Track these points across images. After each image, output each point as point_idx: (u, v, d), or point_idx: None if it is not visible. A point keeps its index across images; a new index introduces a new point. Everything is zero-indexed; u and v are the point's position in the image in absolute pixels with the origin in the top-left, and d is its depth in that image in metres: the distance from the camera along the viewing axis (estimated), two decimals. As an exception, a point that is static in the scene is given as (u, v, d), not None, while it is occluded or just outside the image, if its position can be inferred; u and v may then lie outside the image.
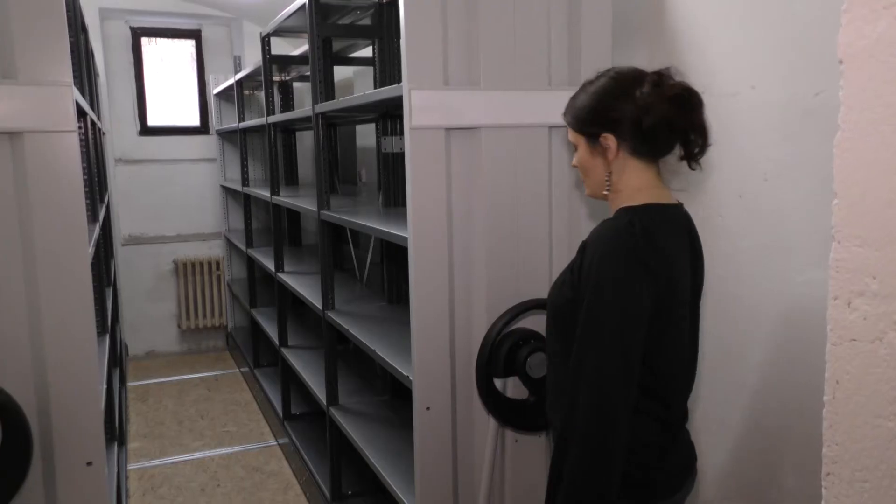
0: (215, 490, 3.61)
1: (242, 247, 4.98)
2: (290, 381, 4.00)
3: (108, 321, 2.95)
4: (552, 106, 2.08)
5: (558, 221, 2.21)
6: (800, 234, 1.68)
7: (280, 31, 3.69)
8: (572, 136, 1.47)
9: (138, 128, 5.70)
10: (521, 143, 2.11)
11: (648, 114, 1.33)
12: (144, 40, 5.71)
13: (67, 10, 1.87)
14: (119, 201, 5.59)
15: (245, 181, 4.87)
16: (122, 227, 5.65)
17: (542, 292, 2.15)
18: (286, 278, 3.78)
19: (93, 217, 2.80)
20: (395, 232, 2.18)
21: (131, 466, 3.89)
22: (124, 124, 5.65)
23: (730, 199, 1.85)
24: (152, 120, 5.75)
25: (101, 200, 3.57)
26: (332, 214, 2.84)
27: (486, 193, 2.07)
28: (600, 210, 2.23)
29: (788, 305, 1.72)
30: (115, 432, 2.97)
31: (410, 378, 2.10)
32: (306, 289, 3.44)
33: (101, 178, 3.80)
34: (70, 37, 1.83)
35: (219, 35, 5.84)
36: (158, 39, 5.76)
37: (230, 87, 5.08)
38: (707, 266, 1.94)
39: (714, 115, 1.87)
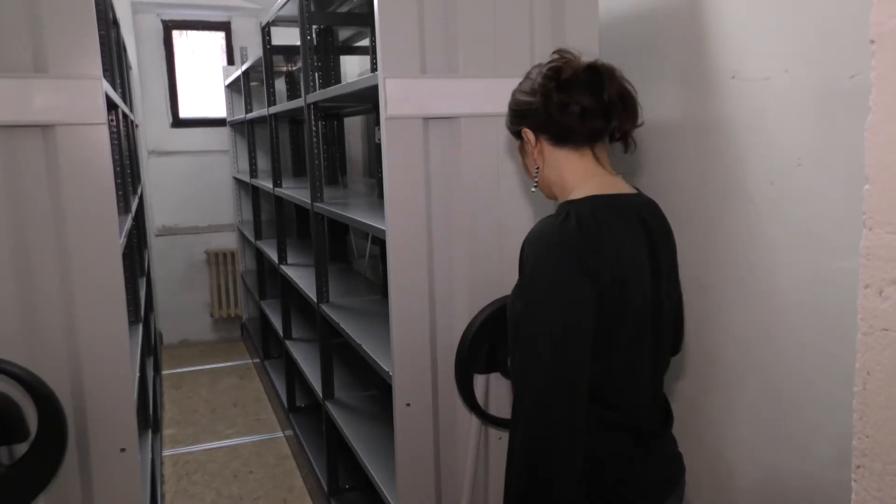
0: (248, 476, 3.66)
1: (252, 238, 4.98)
2: (295, 374, 4.01)
3: (141, 310, 3.00)
4: None
5: (541, 214, 2.10)
6: (834, 220, 1.64)
7: (278, 21, 3.67)
8: (508, 135, 1.46)
9: (170, 120, 5.78)
10: (503, 132, 2.01)
11: (549, 101, 1.30)
12: (175, 33, 5.77)
13: (98, 4, 1.89)
14: (152, 193, 5.67)
15: (253, 173, 4.87)
16: (156, 218, 5.74)
17: None
18: (288, 270, 3.76)
19: (125, 208, 2.85)
20: (375, 224, 2.14)
21: (166, 453, 3.97)
22: (157, 117, 5.72)
23: (761, 185, 1.82)
24: (184, 112, 5.82)
25: (134, 192, 3.63)
26: (323, 206, 2.81)
27: (468, 184, 2.02)
28: None
29: (821, 294, 1.68)
30: (150, 419, 3.03)
31: (391, 374, 2.06)
32: (305, 281, 3.41)
33: (133, 170, 3.86)
34: (100, 30, 1.85)
35: (248, 27, 5.88)
36: (189, 32, 5.82)
37: (238, 79, 5.07)
38: (736, 255, 1.91)
39: (745, 100, 1.84)
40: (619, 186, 1.36)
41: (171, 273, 5.84)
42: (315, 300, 3.01)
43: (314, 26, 3.73)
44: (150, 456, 2.70)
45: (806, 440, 1.76)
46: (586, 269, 1.22)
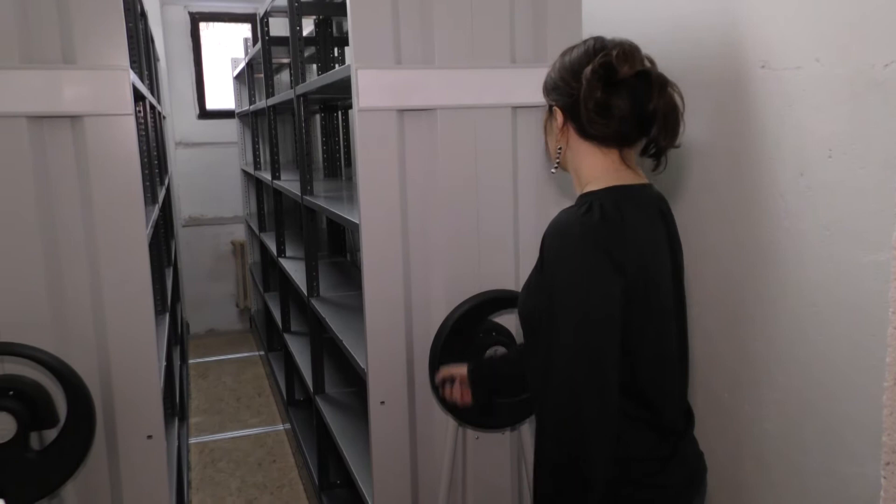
0: (271, 465, 3.70)
1: (257, 230, 4.99)
2: (293, 367, 4.02)
3: (168, 300, 3.04)
4: (516, 85, 2.03)
5: (525, 208, 2.11)
6: (865, 213, 1.60)
7: (274, 12, 3.65)
8: (544, 103, 1.40)
9: (197, 111, 5.83)
10: (482, 124, 2.01)
11: (588, 97, 1.22)
12: (202, 25, 5.82)
13: (125, -4, 1.91)
14: (179, 184, 5.74)
15: (257, 165, 4.86)
16: (183, 209, 5.80)
17: (506, 282, 2.09)
18: (286, 263, 3.76)
19: (152, 199, 2.88)
20: (351, 218, 2.10)
21: (192, 440, 4.02)
22: (184, 108, 5.78)
23: (790, 177, 1.78)
24: (210, 104, 5.87)
25: (161, 183, 3.67)
26: (311, 199, 2.78)
27: (444, 178, 1.98)
28: (570, 195, 2.14)
29: (851, 288, 1.65)
30: (177, 408, 3.07)
31: (365, 370, 2.04)
32: (300, 275, 3.40)
33: (161, 161, 3.90)
34: (128, 22, 1.87)
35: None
36: (215, 24, 5.87)
37: (244, 71, 5.05)
38: (765, 249, 1.87)
39: (775, 90, 1.80)
40: (636, 178, 1.32)
41: (198, 263, 5.91)
42: (306, 294, 3.00)
43: (315, 17, 3.71)
44: (176, 443, 2.74)
45: (835, 437, 1.73)
46: (612, 261, 1.18)
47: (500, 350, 1.92)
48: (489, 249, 2.06)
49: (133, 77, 1.87)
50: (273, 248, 4.07)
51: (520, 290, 2.06)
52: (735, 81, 1.93)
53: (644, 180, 1.33)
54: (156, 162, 3.34)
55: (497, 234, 2.07)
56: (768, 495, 1.94)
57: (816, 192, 1.72)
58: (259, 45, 4.07)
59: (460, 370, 1.77)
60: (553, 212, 2.08)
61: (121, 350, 1.85)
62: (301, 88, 2.80)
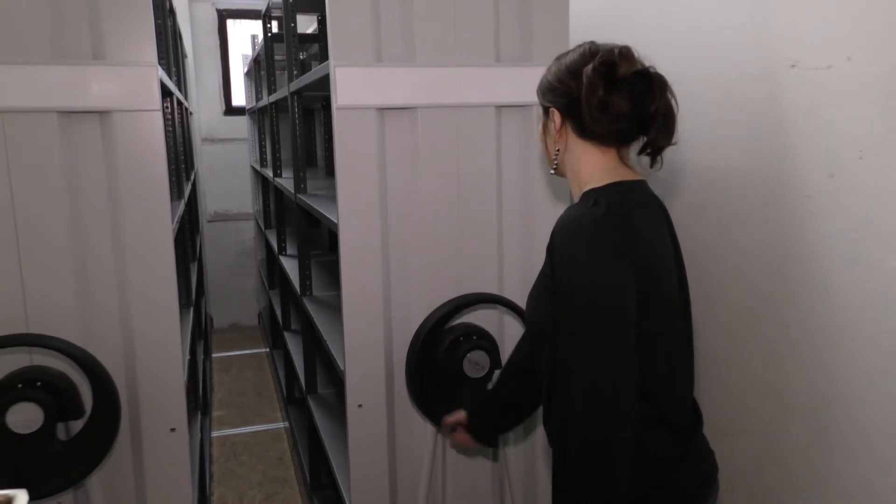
0: (291, 461, 3.72)
1: (263, 227, 4.99)
2: (292, 365, 4.03)
3: (192, 294, 3.07)
4: (500, 84, 2.00)
5: (509, 210, 2.09)
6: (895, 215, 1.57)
7: (275, 9, 3.63)
8: (536, 107, 1.41)
9: (223, 108, 5.88)
10: (465, 124, 1.98)
11: (590, 96, 1.22)
12: (229, 21, 5.86)
13: (154, -7, 1.93)
14: (205, 179, 5.79)
15: (263, 162, 4.86)
16: (208, 204, 5.86)
17: (489, 285, 2.07)
18: (285, 261, 3.76)
19: (178, 194, 2.91)
20: (332, 218, 2.07)
21: (214, 434, 4.06)
22: (210, 104, 5.83)
23: (820, 178, 1.75)
24: (236, 100, 5.91)
25: (188, 178, 3.70)
26: (303, 198, 2.78)
27: (426, 178, 1.96)
28: (558, 197, 2.13)
29: (880, 292, 1.62)
30: (200, 401, 3.10)
31: (343, 372, 2.02)
32: (296, 272, 3.38)
33: (187, 157, 3.94)
34: (157, 19, 1.89)
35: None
36: (242, 21, 5.91)
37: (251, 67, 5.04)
38: (792, 249, 1.85)
39: (804, 89, 1.77)
40: (633, 174, 1.32)
41: (222, 258, 5.96)
42: (299, 292, 2.99)
43: (318, 14, 3.71)
44: (199, 436, 2.77)
45: (863, 442, 1.70)
46: (623, 254, 1.18)
47: (481, 353, 1.89)
48: (472, 251, 2.04)
49: (161, 73, 1.88)
50: (275, 245, 4.08)
51: (503, 293, 2.08)
52: (763, 81, 1.90)
53: (640, 177, 1.33)
54: (182, 157, 3.37)
55: (480, 236, 2.05)
56: (792, 503, 1.91)
57: (846, 193, 1.69)
58: (257, 42, 4.05)
59: (460, 417, 1.76)
60: (538, 213, 2.09)
61: (145, 343, 1.87)
62: (294, 85, 2.80)
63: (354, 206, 1.93)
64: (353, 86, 1.87)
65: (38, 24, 1.69)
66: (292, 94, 2.86)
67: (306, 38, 3.97)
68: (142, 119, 1.80)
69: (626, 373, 1.17)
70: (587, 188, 1.29)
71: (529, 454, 2.27)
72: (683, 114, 1.32)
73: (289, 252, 3.97)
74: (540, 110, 1.39)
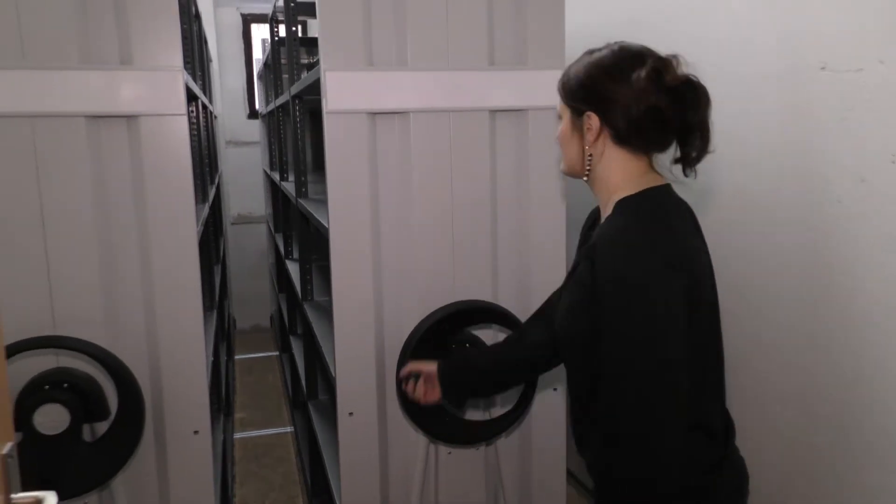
0: (295, 466, 3.73)
1: (273, 230, 4.98)
2: (297, 370, 4.01)
3: (216, 296, 3.09)
4: (494, 88, 1.98)
5: (504, 216, 2.06)
6: (930, 222, 1.54)
7: (280, 13, 3.63)
8: (559, 103, 1.34)
9: (247, 111, 5.92)
10: (458, 128, 1.96)
11: (640, 101, 1.19)
12: (254, 26, 5.91)
13: (181, -1, 1.95)
14: (229, 182, 5.83)
15: (273, 165, 4.87)
16: (232, 207, 5.90)
17: (483, 292, 2.04)
18: (290, 265, 3.74)
19: (202, 197, 2.93)
20: (324, 223, 2.05)
21: (237, 435, 4.08)
22: (234, 107, 5.88)
23: (850, 183, 1.72)
24: (259, 103, 5.96)
25: (212, 181, 3.73)
26: (303, 202, 2.75)
27: (419, 183, 1.94)
28: (554, 203, 2.10)
29: (915, 300, 1.59)
30: (222, 403, 3.12)
31: (335, 378, 2.00)
32: (298, 277, 3.39)
33: (211, 160, 3.97)
34: (183, 24, 1.90)
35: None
36: (266, 25, 5.95)
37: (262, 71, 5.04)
38: (821, 255, 1.81)
39: (835, 92, 1.74)
40: (662, 179, 1.30)
41: (245, 260, 6.00)
42: (300, 297, 2.98)
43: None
44: (221, 438, 2.78)
45: (890, 451, 1.66)
46: (671, 263, 1.16)
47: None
48: (465, 258, 2.02)
49: (186, 78, 1.90)
50: (281, 249, 4.07)
51: (497, 300, 2.06)
52: (793, 83, 1.87)
53: (667, 181, 1.31)
54: (207, 161, 3.40)
55: (474, 243, 2.02)
56: (821, 512, 1.88)
57: (877, 198, 1.66)
58: (266, 46, 4.05)
59: (429, 367, 1.72)
60: (533, 219, 2.07)
61: (170, 346, 1.88)
62: (294, 88, 2.79)
63: (345, 211, 1.92)
64: (343, 90, 1.86)
65: (66, 30, 1.71)
66: (293, 97, 2.87)
67: (309, 42, 3.95)
68: (168, 123, 1.82)
69: (680, 381, 1.15)
70: (620, 196, 1.26)
71: (524, 462, 2.24)
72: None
73: (294, 256, 3.97)
74: (565, 112, 1.34)
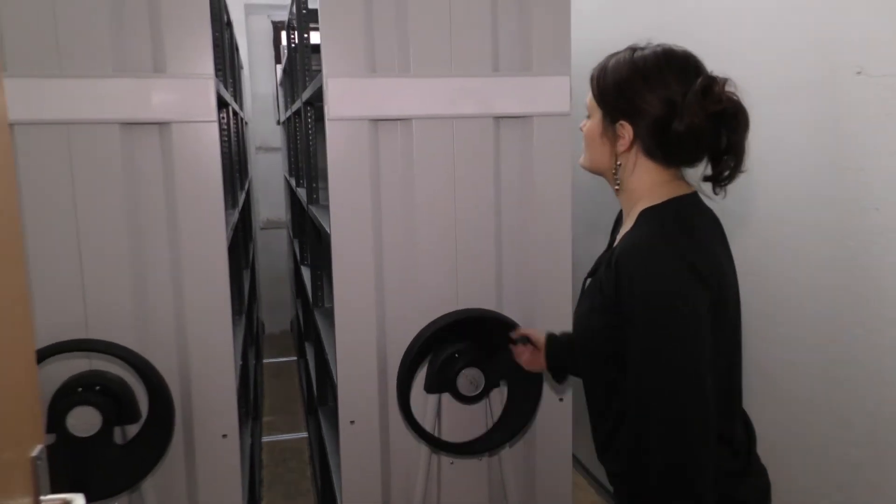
0: (308, 472, 3.74)
1: (292, 236, 5.00)
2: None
3: (245, 301, 3.12)
4: (499, 94, 1.96)
5: (508, 223, 2.04)
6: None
7: (293, 21, 3.65)
8: (590, 98, 1.29)
9: (277, 117, 5.98)
10: (462, 135, 1.94)
11: (682, 119, 1.16)
12: (283, 33, 5.97)
13: (213, 7, 1.97)
14: (258, 187, 5.89)
15: (291, 171, 4.89)
16: (261, 212, 5.96)
17: (487, 301, 2.02)
18: (304, 271, 3.73)
19: (232, 203, 2.96)
20: (327, 230, 2.04)
21: (265, 439, 4.11)
22: (265, 114, 5.94)
23: (888, 191, 1.68)
24: (281, 110, 6.01)
25: (242, 187, 3.77)
26: (313, 208, 2.75)
27: (421, 191, 1.93)
28: (559, 211, 2.06)
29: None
30: (251, 406, 3.14)
31: (336, 386, 1.98)
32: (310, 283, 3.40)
33: (241, 166, 4.01)
34: (215, 32, 1.93)
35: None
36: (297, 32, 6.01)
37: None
38: (858, 264, 1.77)
39: (871, 98, 1.70)
40: (689, 187, 1.27)
41: (274, 264, 6.05)
42: (311, 303, 2.98)
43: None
44: (249, 442, 2.80)
45: (932, 468, 1.62)
46: (699, 274, 1.14)
47: (475, 371, 1.85)
48: (469, 266, 2.00)
49: (217, 85, 1.92)
50: (297, 254, 4.09)
51: (501, 309, 2.04)
52: (827, 87, 1.83)
53: (694, 189, 1.28)
54: (237, 167, 3.43)
55: (477, 251, 2.01)
56: (857, 527, 1.83)
57: (917, 207, 1.62)
58: (284, 52, 4.08)
59: (538, 335, 1.74)
60: (538, 227, 2.05)
61: (199, 350, 1.90)
62: (305, 95, 2.82)
63: (347, 218, 1.92)
64: (345, 97, 1.86)
65: (101, 39, 1.74)
66: (304, 104, 2.89)
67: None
68: (199, 130, 1.84)
69: (707, 389, 1.14)
70: (645, 205, 1.24)
71: (529, 469, 2.22)
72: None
73: (308, 262, 4.00)
74: (595, 111, 1.29)
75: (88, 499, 0.83)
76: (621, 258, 1.17)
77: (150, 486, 1.83)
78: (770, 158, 2.01)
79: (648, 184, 1.25)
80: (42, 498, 0.80)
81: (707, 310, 1.14)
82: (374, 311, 1.97)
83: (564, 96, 2.02)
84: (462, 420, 2.05)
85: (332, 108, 1.87)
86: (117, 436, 1.79)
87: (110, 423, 1.71)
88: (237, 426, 1.97)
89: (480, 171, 1.99)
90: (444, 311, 1.96)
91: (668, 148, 1.21)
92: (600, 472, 3.08)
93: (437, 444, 1.96)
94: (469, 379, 1.84)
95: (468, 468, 2.11)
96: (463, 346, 1.92)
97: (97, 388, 1.73)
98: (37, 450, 0.80)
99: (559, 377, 1.76)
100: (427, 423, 1.93)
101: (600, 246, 1.37)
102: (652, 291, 1.14)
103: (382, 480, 2.06)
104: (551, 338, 1.72)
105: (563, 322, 2.08)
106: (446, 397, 1.93)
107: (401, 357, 1.95)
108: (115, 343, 1.77)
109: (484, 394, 1.91)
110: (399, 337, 1.98)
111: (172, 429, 1.80)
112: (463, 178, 1.97)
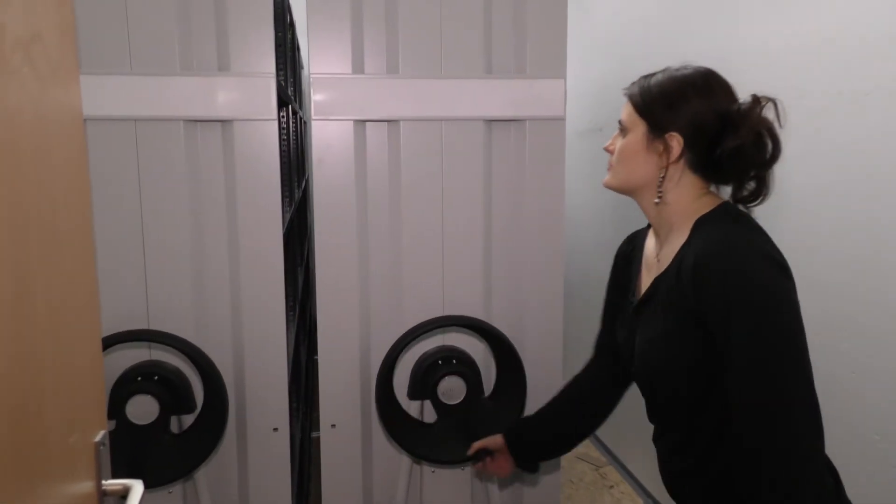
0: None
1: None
2: None
3: (299, 296, 3.16)
4: (491, 97, 1.91)
5: (499, 229, 1.99)
6: None
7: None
8: (627, 114, 1.24)
9: (335, 117, 6.04)
10: (452, 138, 1.90)
11: (735, 135, 1.13)
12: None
13: (277, 8, 2.00)
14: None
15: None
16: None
17: (474, 308, 1.97)
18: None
19: (289, 200, 3.01)
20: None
21: (315, 434, 4.15)
22: (323, 113, 6.00)
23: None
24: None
25: (299, 185, 3.82)
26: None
27: (409, 193, 1.90)
28: (551, 217, 2.01)
29: None
30: (302, 401, 3.18)
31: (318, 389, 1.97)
32: None
33: (300, 165, 4.06)
34: (277, 32, 1.96)
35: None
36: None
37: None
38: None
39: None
40: (719, 198, 1.24)
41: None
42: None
43: None
44: (299, 435, 2.83)
45: None
46: (783, 269, 1.08)
47: (457, 380, 1.81)
48: (456, 272, 1.97)
49: (278, 84, 1.95)
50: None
51: (490, 318, 1.99)
52: (873, 99, 1.76)
53: (724, 199, 1.24)
54: (295, 165, 3.48)
55: (465, 257, 1.98)
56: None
57: None
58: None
59: (495, 441, 1.62)
60: (529, 233, 2.00)
61: (253, 343, 1.94)
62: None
63: (332, 221, 1.91)
64: (330, 97, 1.86)
65: (169, 39, 1.79)
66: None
67: None
68: (259, 128, 1.87)
69: (816, 402, 1.06)
70: (696, 216, 1.19)
71: (515, 481, 2.18)
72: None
73: None
74: (637, 125, 1.23)
75: (145, 486, 0.85)
76: (701, 267, 1.09)
77: (203, 474, 1.87)
78: (807, 173, 1.94)
79: (692, 195, 1.22)
80: (104, 482, 0.82)
81: (798, 303, 1.08)
82: (358, 317, 1.96)
83: (560, 100, 1.98)
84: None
85: (315, 108, 1.87)
86: (173, 425, 1.83)
87: (167, 412, 1.76)
88: (288, 420, 2.00)
89: (470, 174, 1.96)
90: (428, 317, 1.94)
91: (715, 163, 1.18)
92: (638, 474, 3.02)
93: (418, 455, 1.93)
94: (449, 388, 1.83)
95: (449, 476, 2.08)
96: (448, 354, 1.90)
97: (155, 377, 1.78)
98: (100, 435, 0.83)
99: (533, 469, 1.68)
100: (407, 433, 1.91)
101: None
102: (747, 295, 1.04)
103: (363, 484, 2.05)
104: (511, 437, 1.62)
105: (551, 330, 2.05)
106: (428, 405, 1.92)
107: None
108: (174, 335, 1.81)
109: (466, 403, 1.88)
110: (383, 343, 1.97)
111: (226, 420, 1.84)
112: (452, 182, 1.95)
